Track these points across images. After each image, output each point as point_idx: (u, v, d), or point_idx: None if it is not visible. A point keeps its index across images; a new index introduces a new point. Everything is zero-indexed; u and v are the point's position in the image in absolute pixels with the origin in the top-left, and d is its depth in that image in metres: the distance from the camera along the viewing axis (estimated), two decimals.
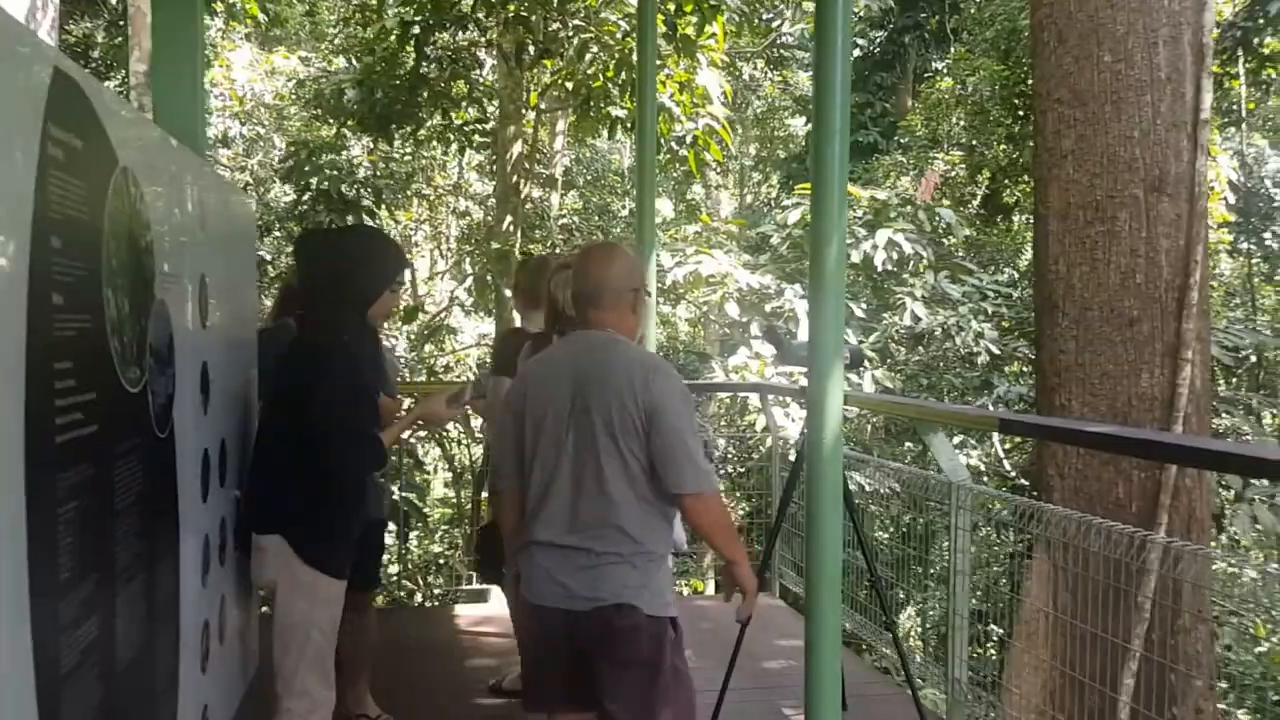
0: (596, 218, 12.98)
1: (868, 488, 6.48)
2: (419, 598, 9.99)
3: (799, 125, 18.10)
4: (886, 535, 7.84)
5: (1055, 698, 4.67)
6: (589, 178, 15.30)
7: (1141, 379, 5.08)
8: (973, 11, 14.54)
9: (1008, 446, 7.90)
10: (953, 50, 14.64)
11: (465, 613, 5.70)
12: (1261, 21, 9.08)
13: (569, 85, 7.59)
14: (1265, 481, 6.52)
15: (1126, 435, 3.88)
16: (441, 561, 10.64)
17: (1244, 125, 11.62)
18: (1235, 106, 11.42)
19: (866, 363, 6.75)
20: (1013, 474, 7.92)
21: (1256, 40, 9.35)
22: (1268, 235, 13.52)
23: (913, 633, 8.92)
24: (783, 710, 4.01)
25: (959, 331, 7.07)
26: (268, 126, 13.10)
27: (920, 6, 15.85)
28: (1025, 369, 8.12)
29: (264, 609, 4.08)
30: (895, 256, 7.20)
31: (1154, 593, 4.52)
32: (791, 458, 4.08)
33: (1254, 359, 8.40)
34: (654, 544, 2.47)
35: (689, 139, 6.89)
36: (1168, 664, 4.54)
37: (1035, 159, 5.86)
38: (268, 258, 10.27)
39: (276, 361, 3.03)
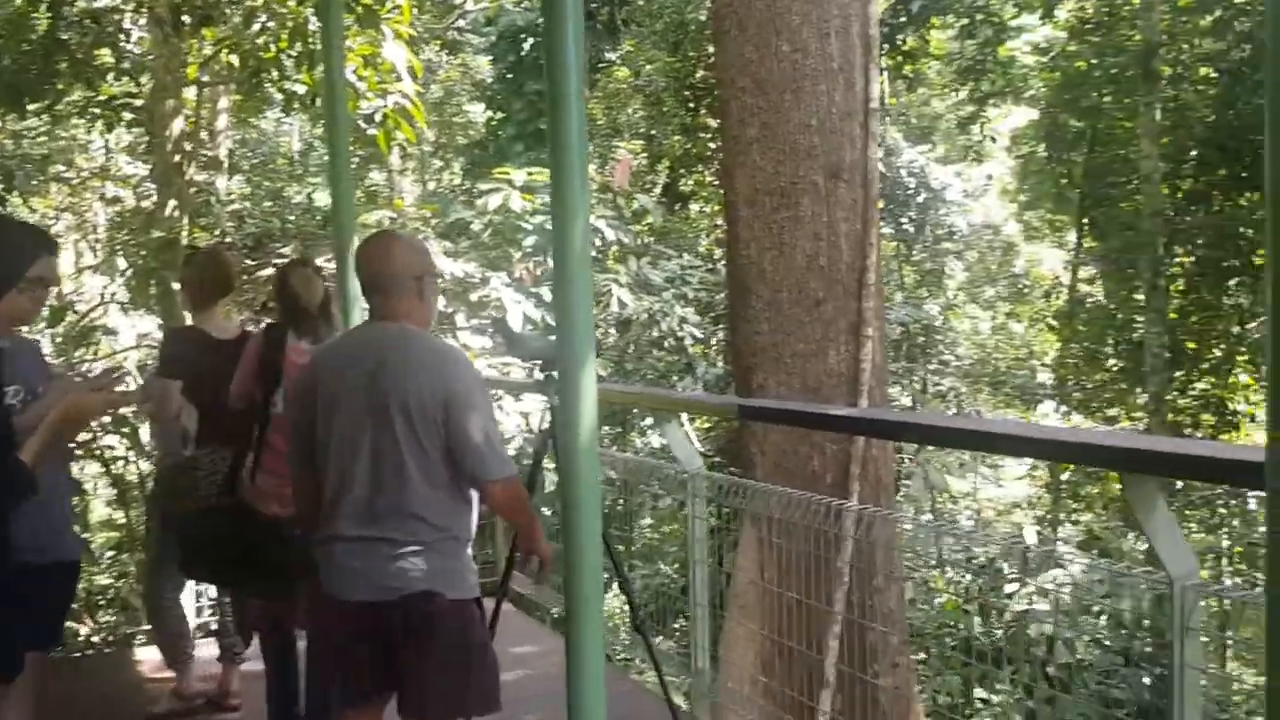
0: (269, 203, 12.01)
1: None
2: (88, 635, 8.78)
3: (478, 112, 17.74)
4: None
5: (768, 666, 4.78)
6: (256, 161, 14.17)
7: (829, 356, 5.29)
8: (641, 3, 14.87)
9: (707, 425, 8.15)
10: (624, 41, 14.91)
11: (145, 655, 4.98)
12: (904, 19, 9.89)
13: (234, 59, 6.85)
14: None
15: (870, 417, 4.01)
16: (111, 594, 9.43)
17: (885, 118, 12.68)
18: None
19: None
20: (710, 453, 8.18)
21: (899, 37, 10.18)
22: (904, 220, 14.91)
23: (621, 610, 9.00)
24: None
25: (663, 316, 7.15)
26: None
27: None
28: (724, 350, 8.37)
29: None
30: (598, 243, 7.15)
31: (850, 557, 4.74)
32: (510, 453, 3.83)
33: (909, 332, 9.16)
34: (457, 529, 2.50)
35: (378, 117, 6.42)
36: (866, 624, 4.78)
37: (722, 146, 5.96)
38: None
39: None
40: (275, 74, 6.48)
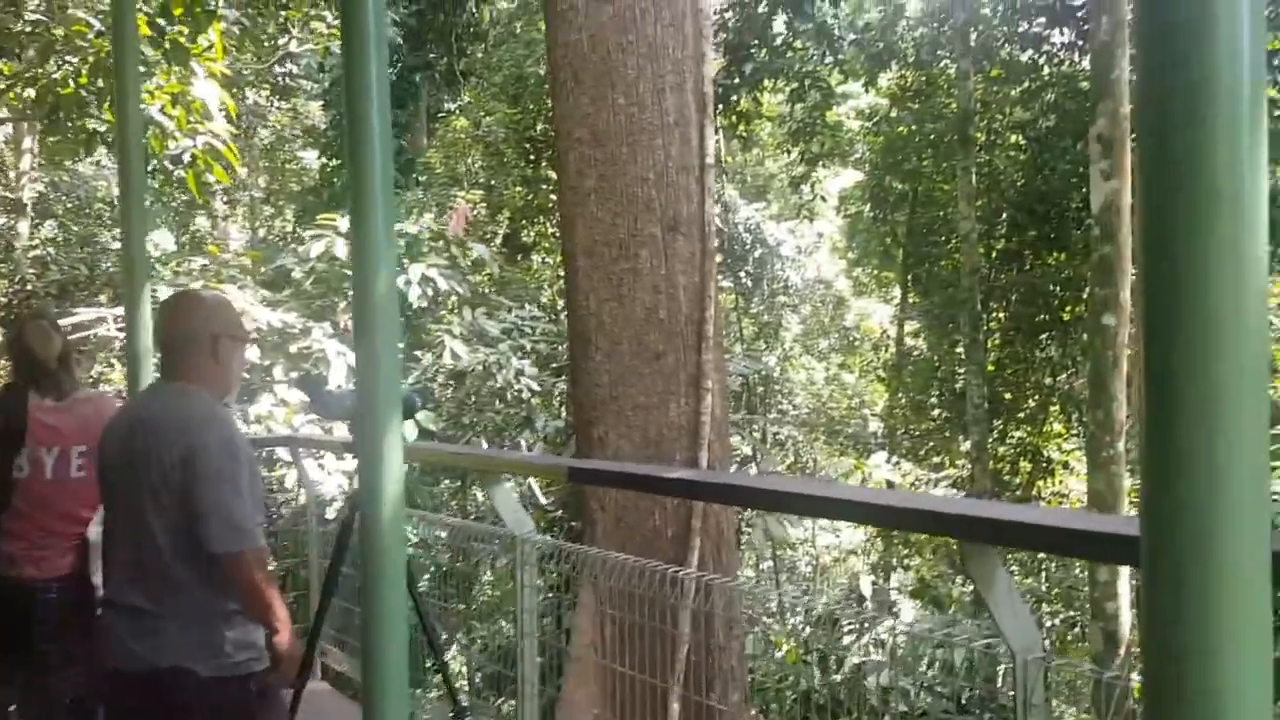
0: (80, 249, 11.16)
1: (414, 538, 6.04)
2: None
3: (311, 158, 17.18)
4: (427, 576, 7.49)
5: None
6: (70, 205, 13.22)
7: (670, 409, 5.20)
8: (480, 55, 14.77)
9: (546, 481, 7.95)
10: (464, 91, 14.76)
11: None
12: (737, 81, 10.11)
13: (31, 92, 6.30)
14: None
15: (702, 480, 3.86)
16: None
17: (722, 175, 12.93)
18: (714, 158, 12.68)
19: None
20: (551, 506, 7.96)
21: (733, 98, 10.40)
22: (742, 274, 15.22)
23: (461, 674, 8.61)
24: None
25: (499, 369, 6.92)
26: None
27: (429, 47, 15.83)
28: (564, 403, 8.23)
29: None
30: (430, 293, 6.88)
31: (690, 617, 4.63)
32: (330, 515, 3.55)
33: (749, 383, 9.22)
34: (214, 601, 2.37)
35: (186, 157, 6.00)
36: (707, 682, 4.65)
37: (560, 196, 5.85)
38: None
39: None
40: (75, 110, 5.98)
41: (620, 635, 4.03)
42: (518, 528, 3.45)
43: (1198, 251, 0.73)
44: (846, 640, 6.06)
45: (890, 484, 8.58)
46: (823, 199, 16.54)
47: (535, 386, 7.16)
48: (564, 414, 7.70)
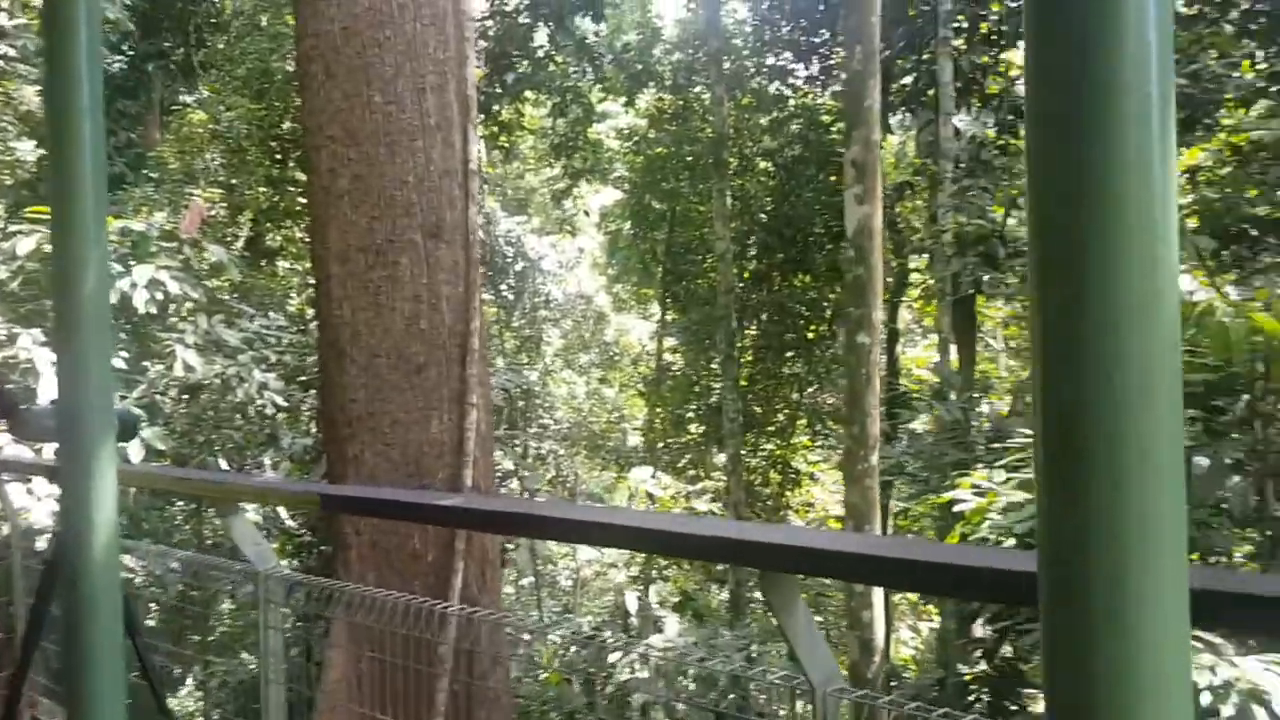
0: None
1: (139, 571, 5.41)
2: None
3: (27, 149, 15.42)
4: (155, 609, 6.80)
5: None
6: None
7: (432, 425, 4.94)
8: (222, 47, 13.81)
9: None
10: (202, 84, 13.74)
11: None
12: (499, 90, 9.93)
13: None
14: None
15: (471, 507, 3.60)
16: None
17: (484, 185, 12.72)
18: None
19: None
20: (298, 529, 7.42)
21: (495, 108, 10.21)
22: (504, 288, 15.02)
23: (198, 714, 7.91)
24: None
25: (240, 382, 6.34)
26: None
27: (164, 35, 14.64)
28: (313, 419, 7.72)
29: None
30: (160, 297, 6.22)
31: (453, 644, 4.41)
32: (40, 546, 3.06)
33: (511, 397, 9.04)
34: None
35: None
36: (469, 713, 4.43)
37: (310, 197, 5.46)
38: None
39: None
40: None
41: (377, 671, 3.75)
42: (260, 561, 3.10)
43: (1099, 273, 0.63)
44: (614, 658, 5.99)
45: (651, 496, 8.69)
46: (586, 213, 16.64)
47: (281, 401, 6.64)
48: (313, 431, 7.24)
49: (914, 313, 17.43)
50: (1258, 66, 7.81)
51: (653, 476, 16.84)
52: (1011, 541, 4.16)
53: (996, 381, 14.94)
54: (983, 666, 5.89)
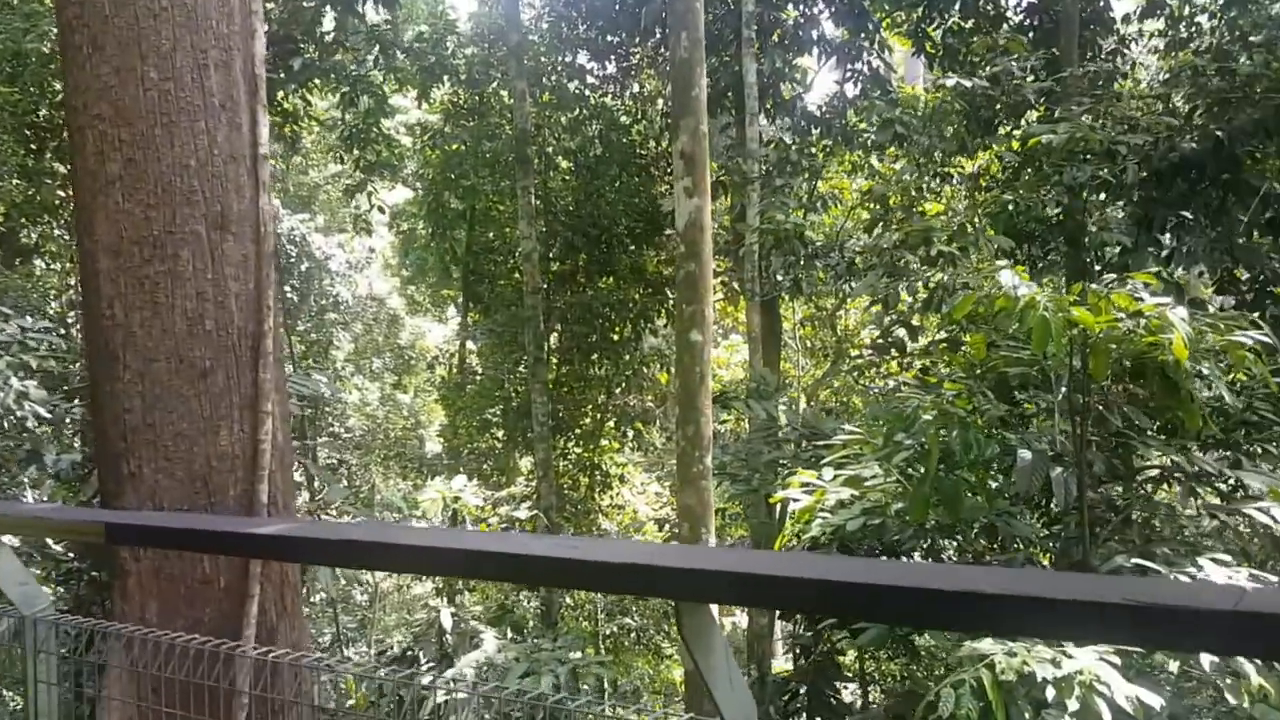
0: None
1: None
2: None
3: None
4: None
5: None
6: None
7: (221, 436, 4.50)
8: None
9: None
10: None
11: None
12: (283, 76, 9.32)
13: None
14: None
15: (293, 535, 3.17)
16: None
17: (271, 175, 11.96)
18: None
19: None
20: (64, 554, 6.63)
21: (280, 93, 9.58)
22: (288, 289, 14.24)
23: None
24: None
25: None
26: None
27: None
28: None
29: None
30: None
31: (249, 686, 4.02)
32: None
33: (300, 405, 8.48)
34: None
35: None
36: None
37: (75, 185, 4.87)
38: None
39: None
40: None
41: (164, 706, 3.33)
42: (26, 604, 2.64)
43: None
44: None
45: (454, 501, 8.36)
46: (381, 210, 15.98)
47: (43, 413, 5.90)
48: (81, 445, 6.48)
49: (715, 313, 17.77)
50: (1039, 75, 8.36)
51: (471, 486, 16.47)
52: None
53: (794, 380, 15.45)
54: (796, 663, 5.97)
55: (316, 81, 12.68)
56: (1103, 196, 7.27)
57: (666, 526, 14.84)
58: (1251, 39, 8.44)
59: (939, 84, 8.42)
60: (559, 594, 11.29)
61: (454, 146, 15.36)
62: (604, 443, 15.59)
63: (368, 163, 14.88)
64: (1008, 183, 7.69)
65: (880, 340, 12.20)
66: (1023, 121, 8.23)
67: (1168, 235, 7.80)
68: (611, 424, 15.28)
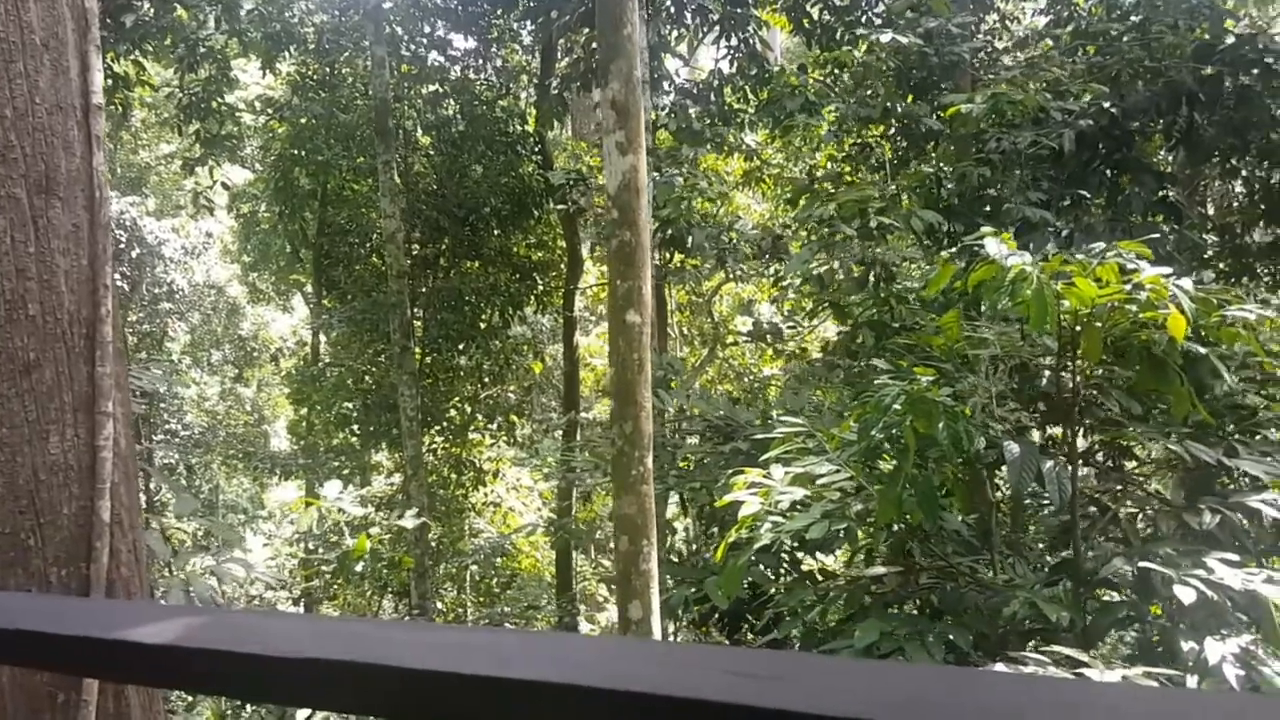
0: None
1: None
2: None
3: None
4: None
5: None
6: None
7: (51, 443, 3.75)
8: None
9: None
10: None
11: None
12: (112, 36, 8.32)
13: None
14: None
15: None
16: None
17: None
18: None
19: None
20: None
21: (109, 54, 8.54)
22: (117, 277, 13.00)
23: None
24: None
25: None
26: None
27: None
28: None
29: None
30: None
31: None
32: None
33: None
34: None
35: None
36: None
37: None
38: None
39: None
40: None
41: None
42: None
43: None
44: None
45: (335, 512, 7.60)
46: (225, 186, 14.78)
47: None
48: None
49: (587, 299, 17.30)
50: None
51: (309, 484, 15.46)
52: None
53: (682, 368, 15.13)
54: None
55: (150, 46, 11.53)
56: (1021, 171, 7.15)
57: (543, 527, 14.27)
58: (1133, 18, 8.53)
59: (873, 39, 8.13)
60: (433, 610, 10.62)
61: (304, 120, 14.33)
62: (474, 436, 14.92)
63: (208, 136, 13.72)
64: (926, 155, 7.52)
65: (759, 327, 12.02)
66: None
67: (1060, 216, 7.77)
68: (482, 421, 14.65)
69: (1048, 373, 4.75)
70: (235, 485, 22.70)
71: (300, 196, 15.00)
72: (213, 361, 21.95)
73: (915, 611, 5.31)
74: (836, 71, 9.89)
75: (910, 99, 8.14)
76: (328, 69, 15.03)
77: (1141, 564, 3.64)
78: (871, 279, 6.64)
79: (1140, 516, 5.07)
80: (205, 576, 6.13)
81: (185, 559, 7.46)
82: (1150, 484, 5.55)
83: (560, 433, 14.43)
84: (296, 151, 14.27)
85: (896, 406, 3.60)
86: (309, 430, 15.65)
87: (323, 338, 17.00)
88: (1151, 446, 4.93)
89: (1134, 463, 5.80)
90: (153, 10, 10.43)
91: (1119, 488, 5.16)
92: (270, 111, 15.35)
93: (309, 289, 18.60)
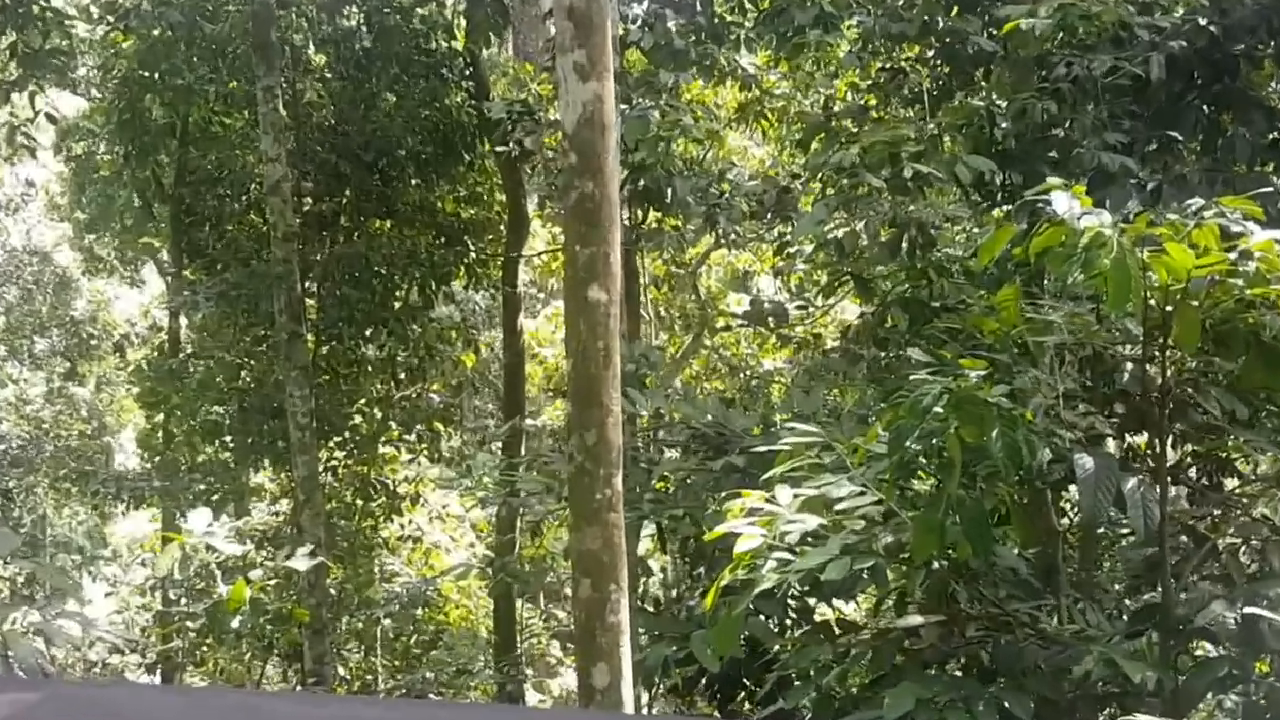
0: None
1: None
2: None
3: None
4: None
5: None
6: None
7: None
8: None
9: None
10: None
11: None
12: None
13: None
14: None
15: None
16: None
17: None
18: None
19: None
20: None
21: None
22: None
23: None
24: None
25: None
26: None
27: None
28: None
29: None
30: None
31: None
32: None
33: None
34: None
35: None
36: None
37: None
38: None
39: None
40: None
41: None
42: None
43: None
44: None
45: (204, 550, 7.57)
46: (51, 119, 14.69)
47: None
48: None
49: (534, 271, 17.38)
50: None
51: (163, 516, 15.45)
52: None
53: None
54: None
55: None
56: (1096, 106, 7.27)
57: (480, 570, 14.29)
58: None
59: None
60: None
61: (157, 31, 14.26)
62: (386, 450, 14.96)
63: (27, 52, 13.63)
64: (975, 84, 7.63)
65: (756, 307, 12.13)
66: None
67: (1145, 164, 7.93)
68: (396, 430, 14.71)
69: (1129, 366, 4.89)
70: (67, 516, 22.63)
71: (153, 133, 14.97)
72: (36, 352, 21.85)
73: (960, 672, 5.43)
74: None
75: (956, 11, 8.26)
76: None
77: (1247, 610, 3.76)
78: (905, 245, 6.73)
79: (1245, 549, 5.22)
80: (29, 636, 6.18)
81: (2, 614, 7.46)
82: (1258, 507, 5.70)
83: (500, 445, 14.49)
84: (147, 73, 14.25)
85: (937, 409, 3.71)
86: (166, 443, 15.62)
87: (184, 321, 16.98)
88: (1260, 459, 5.06)
89: (1237, 480, 5.96)
90: None
91: (1218, 512, 5.31)
92: (112, 19, 15.25)
93: (165, 256, 18.53)
